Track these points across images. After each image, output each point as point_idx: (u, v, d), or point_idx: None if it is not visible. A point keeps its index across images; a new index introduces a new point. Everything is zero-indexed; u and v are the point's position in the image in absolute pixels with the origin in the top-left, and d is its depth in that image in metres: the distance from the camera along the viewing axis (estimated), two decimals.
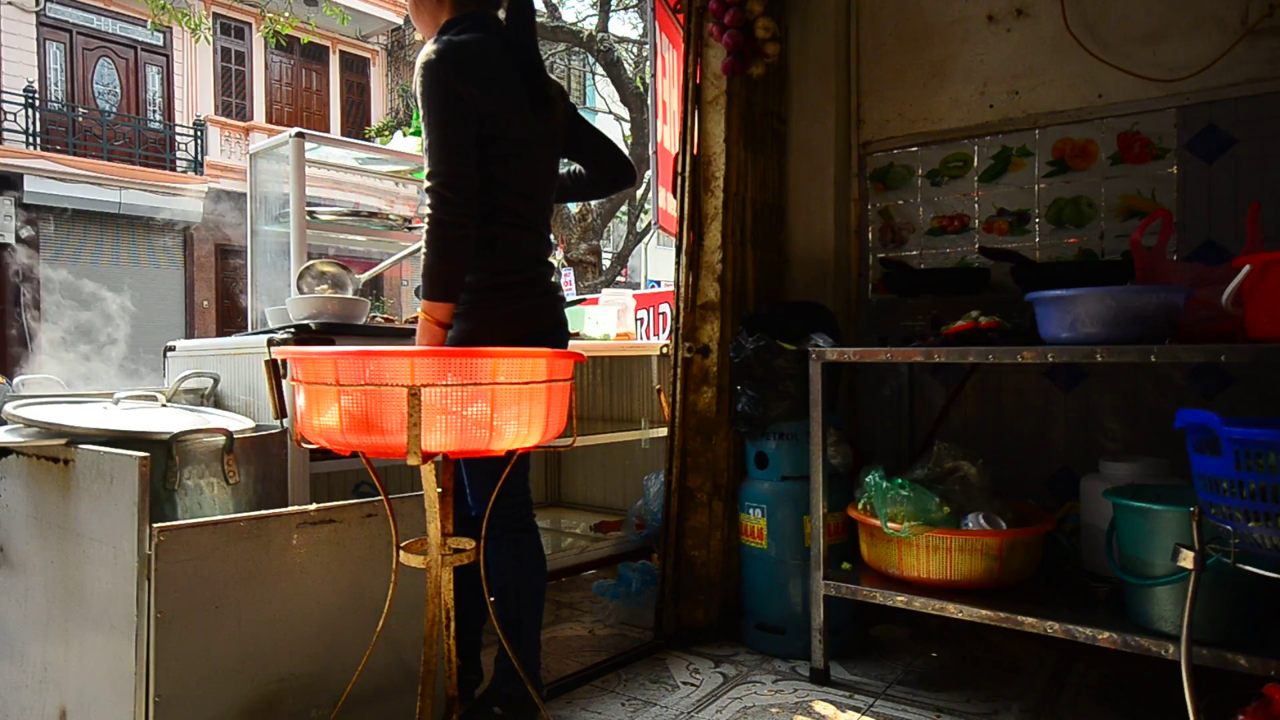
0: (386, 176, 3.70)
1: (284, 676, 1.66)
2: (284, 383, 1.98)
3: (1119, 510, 1.96)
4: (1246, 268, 1.74)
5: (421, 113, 1.79)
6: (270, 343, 2.14)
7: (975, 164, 2.83)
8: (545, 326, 1.95)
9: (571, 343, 3.09)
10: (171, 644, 1.51)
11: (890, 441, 2.96)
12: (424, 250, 1.74)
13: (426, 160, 1.77)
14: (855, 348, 2.31)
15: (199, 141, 13.38)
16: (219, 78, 13.96)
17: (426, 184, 1.76)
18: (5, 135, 11.67)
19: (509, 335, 1.86)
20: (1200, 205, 2.46)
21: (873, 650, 2.58)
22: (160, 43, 13.35)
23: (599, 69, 12.56)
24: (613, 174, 2.18)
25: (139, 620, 1.50)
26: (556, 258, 9.66)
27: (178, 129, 13.41)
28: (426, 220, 1.73)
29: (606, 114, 15.59)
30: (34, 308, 11.33)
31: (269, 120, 14.15)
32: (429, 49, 1.81)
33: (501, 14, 1.98)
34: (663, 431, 3.05)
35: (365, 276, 2.76)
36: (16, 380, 2.32)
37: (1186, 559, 1.48)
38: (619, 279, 12.48)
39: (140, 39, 13.06)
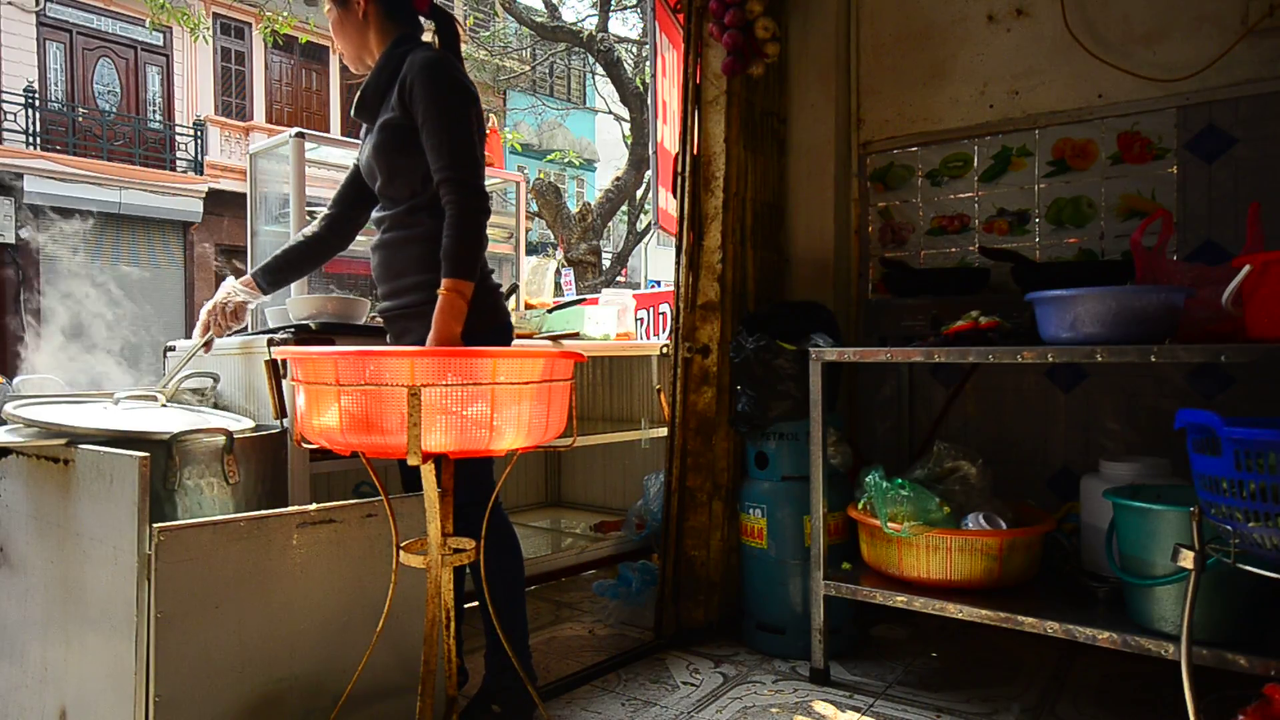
0: None
1: (284, 676, 1.66)
2: (284, 383, 1.98)
3: (1119, 510, 1.96)
4: (1246, 268, 1.74)
5: (429, 110, 1.82)
6: (270, 343, 2.14)
7: (975, 164, 2.83)
8: (509, 319, 2.07)
9: (571, 343, 3.10)
10: (171, 644, 1.51)
11: (890, 441, 2.96)
12: (450, 235, 1.79)
13: (439, 154, 1.82)
14: (855, 348, 2.32)
15: (199, 141, 13.38)
16: (219, 78, 13.95)
17: (445, 174, 1.81)
18: (5, 135, 11.67)
19: (492, 324, 1.96)
20: (1200, 205, 2.46)
21: (873, 650, 2.58)
22: (160, 43, 13.35)
23: (599, 69, 12.56)
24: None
25: (139, 620, 1.50)
26: (556, 257, 9.68)
27: (178, 129, 13.41)
28: (452, 205, 1.80)
29: (606, 114, 15.60)
30: (34, 308, 11.33)
31: (269, 120, 14.15)
32: (426, 55, 1.86)
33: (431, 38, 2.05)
34: (663, 431, 3.05)
35: None
36: (16, 380, 2.32)
37: (1186, 559, 1.48)
38: (619, 279, 12.48)
39: (140, 39, 13.05)
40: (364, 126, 2.06)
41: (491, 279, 2.02)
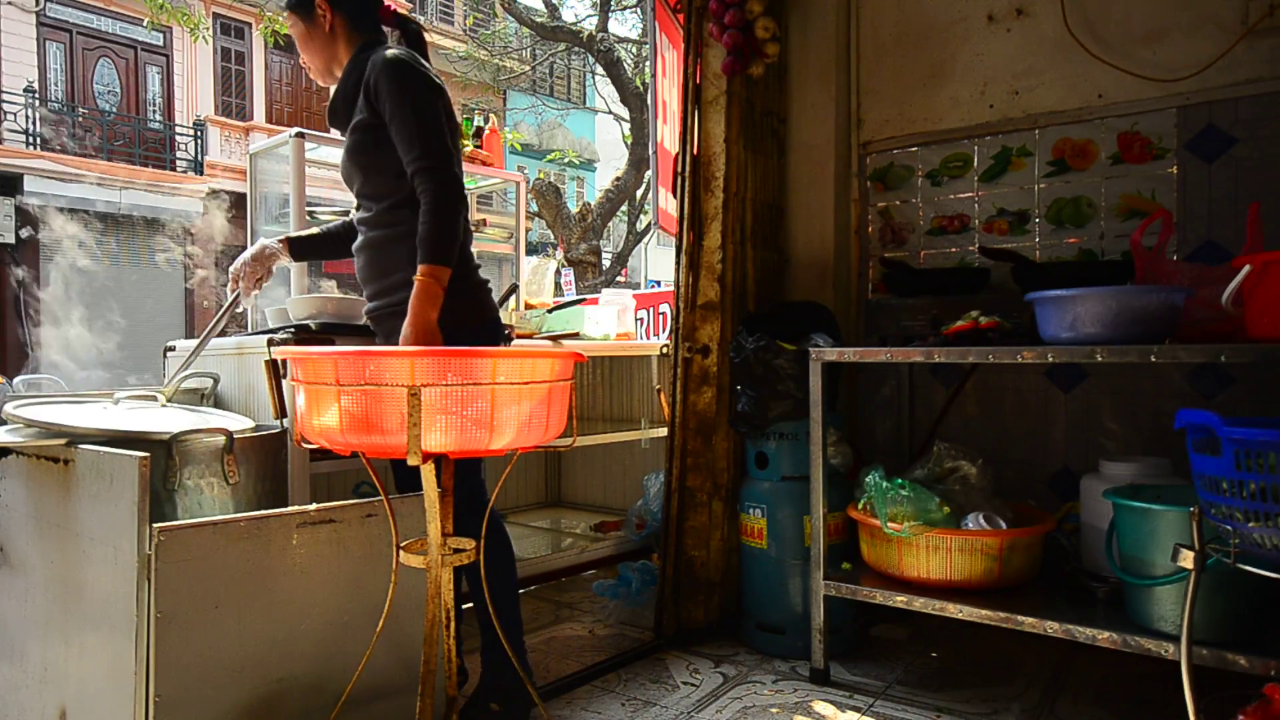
0: None
1: (284, 677, 1.66)
2: (284, 383, 1.98)
3: (1119, 510, 1.96)
4: (1246, 268, 1.74)
5: (396, 104, 1.82)
6: (270, 343, 2.14)
7: (975, 164, 2.83)
8: (497, 315, 2.06)
9: (571, 343, 3.10)
10: (171, 644, 1.51)
11: (890, 441, 2.96)
12: (425, 221, 1.79)
13: (410, 146, 1.82)
14: (855, 348, 2.32)
15: (199, 141, 13.38)
16: (219, 78, 13.96)
17: (418, 165, 1.81)
18: (5, 135, 11.67)
19: (480, 320, 1.95)
20: (1200, 205, 2.46)
21: (873, 650, 2.58)
22: (160, 43, 13.35)
23: (599, 69, 12.55)
24: None
25: (139, 620, 1.50)
26: (556, 257, 9.68)
27: (178, 129, 13.41)
28: (427, 193, 1.79)
29: (606, 114, 15.59)
30: (34, 308, 11.33)
31: (269, 120, 14.15)
32: (392, 52, 1.87)
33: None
34: (663, 431, 3.05)
35: None
36: (16, 380, 2.31)
37: (1186, 559, 1.48)
38: (619, 279, 12.47)
39: (140, 39, 13.05)
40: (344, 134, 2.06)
41: (478, 274, 2.01)
